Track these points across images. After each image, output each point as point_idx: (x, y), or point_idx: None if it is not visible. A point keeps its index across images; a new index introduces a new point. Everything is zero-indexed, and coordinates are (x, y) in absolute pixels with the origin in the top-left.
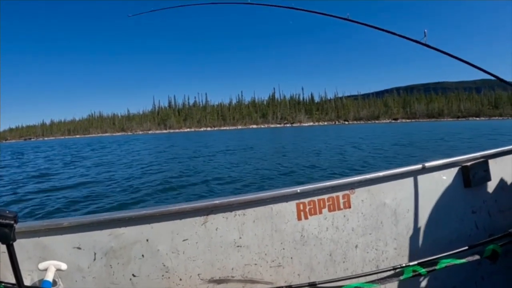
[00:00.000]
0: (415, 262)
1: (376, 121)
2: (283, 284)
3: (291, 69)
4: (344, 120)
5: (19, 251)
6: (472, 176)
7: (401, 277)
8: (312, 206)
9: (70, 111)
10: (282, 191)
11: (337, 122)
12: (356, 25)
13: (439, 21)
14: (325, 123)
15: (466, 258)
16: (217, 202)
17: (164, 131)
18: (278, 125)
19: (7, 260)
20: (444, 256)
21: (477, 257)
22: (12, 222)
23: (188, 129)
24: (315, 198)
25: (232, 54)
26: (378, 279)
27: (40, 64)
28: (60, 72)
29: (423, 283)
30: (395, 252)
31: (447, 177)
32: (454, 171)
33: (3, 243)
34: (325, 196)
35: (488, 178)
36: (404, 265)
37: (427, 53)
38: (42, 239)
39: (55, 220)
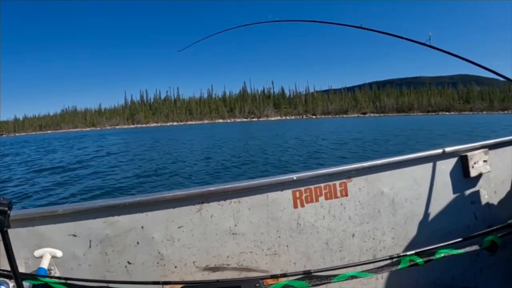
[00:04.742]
0: (412, 252)
1: (345, 115)
2: (278, 272)
3: (266, 62)
4: (312, 114)
5: (14, 239)
6: (472, 166)
7: (398, 267)
8: (308, 194)
9: (45, 106)
10: (278, 178)
11: (304, 116)
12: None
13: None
14: (293, 117)
15: (465, 249)
16: (212, 189)
17: (132, 126)
18: (245, 119)
19: (3, 248)
20: (442, 246)
21: (475, 248)
22: (6, 208)
23: (155, 124)
24: (312, 186)
25: (205, 47)
26: (374, 268)
27: (16, 58)
28: (38, 66)
29: (421, 273)
30: (393, 242)
31: (446, 166)
32: (453, 161)
33: None
34: (322, 184)
35: (487, 168)
36: (401, 254)
37: (406, 48)
38: (37, 226)
39: (50, 208)
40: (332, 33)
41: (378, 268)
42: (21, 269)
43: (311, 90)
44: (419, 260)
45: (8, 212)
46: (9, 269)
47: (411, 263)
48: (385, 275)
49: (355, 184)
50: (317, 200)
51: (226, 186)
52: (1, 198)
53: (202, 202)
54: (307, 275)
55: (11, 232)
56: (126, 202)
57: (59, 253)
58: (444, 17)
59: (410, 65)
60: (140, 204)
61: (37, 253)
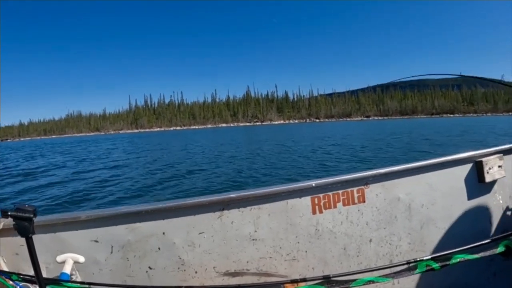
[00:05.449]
0: (429, 257)
1: (348, 119)
2: (297, 277)
3: (270, 66)
4: (316, 118)
5: (37, 244)
6: (487, 172)
7: (415, 272)
8: (326, 200)
9: (50, 109)
10: (297, 185)
11: (308, 120)
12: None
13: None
14: (296, 121)
15: (479, 254)
16: (233, 196)
17: (135, 130)
18: (248, 124)
19: (26, 253)
20: (457, 251)
21: (490, 253)
22: (32, 215)
23: (158, 129)
24: (330, 193)
25: (208, 49)
26: (391, 273)
27: (17, 58)
28: (39, 66)
29: (436, 278)
30: (409, 247)
31: (461, 172)
32: (468, 166)
33: (22, 236)
34: (340, 191)
35: (502, 173)
36: (418, 259)
37: (412, 52)
38: (60, 232)
39: (73, 214)
40: (334, 35)
41: (395, 273)
42: (44, 274)
43: (315, 93)
44: (435, 265)
45: (33, 218)
46: (31, 274)
47: (428, 268)
48: (401, 280)
49: (372, 190)
50: (335, 207)
51: (247, 193)
52: (26, 205)
53: (223, 209)
54: (326, 279)
55: (34, 237)
56: (148, 208)
57: (81, 259)
58: (444, 17)
59: (414, 68)
60: (162, 210)
61: (59, 258)
